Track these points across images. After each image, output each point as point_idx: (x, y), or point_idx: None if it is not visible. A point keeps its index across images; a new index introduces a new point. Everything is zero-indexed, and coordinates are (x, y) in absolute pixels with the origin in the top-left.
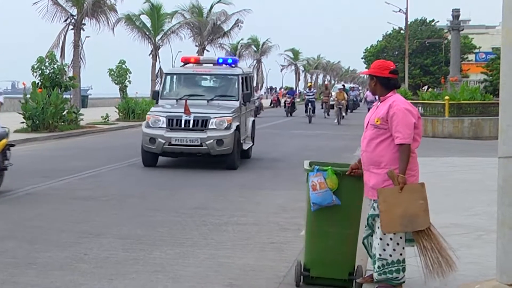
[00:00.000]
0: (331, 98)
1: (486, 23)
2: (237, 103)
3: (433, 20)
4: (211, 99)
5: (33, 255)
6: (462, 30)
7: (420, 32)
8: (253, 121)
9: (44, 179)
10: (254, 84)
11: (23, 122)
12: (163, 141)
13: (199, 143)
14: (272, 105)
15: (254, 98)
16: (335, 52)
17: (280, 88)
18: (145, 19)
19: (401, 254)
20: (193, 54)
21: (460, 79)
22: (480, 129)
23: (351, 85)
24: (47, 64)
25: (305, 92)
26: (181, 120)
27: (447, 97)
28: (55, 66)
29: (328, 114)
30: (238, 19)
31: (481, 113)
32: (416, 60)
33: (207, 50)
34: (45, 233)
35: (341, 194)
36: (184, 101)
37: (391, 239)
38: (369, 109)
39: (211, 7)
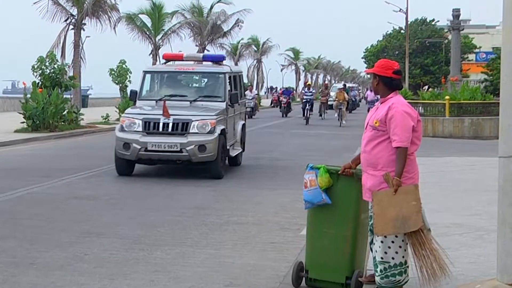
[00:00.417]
0: (331, 98)
1: (487, 22)
2: (223, 105)
3: (433, 20)
4: (195, 100)
5: (33, 254)
6: (463, 29)
7: (420, 31)
8: (243, 125)
9: (45, 179)
10: (254, 84)
11: (23, 122)
12: (139, 147)
13: (178, 149)
14: (272, 104)
15: (248, 99)
16: (336, 51)
17: (281, 88)
18: (145, 19)
19: (403, 257)
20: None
21: (461, 78)
22: (480, 128)
23: (350, 84)
24: (47, 63)
25: (303, 91)
26: (158, 123)
27: (447, 97)
28: (55, 66)
29: (325, 113)
30: (238, 19)
31: (482, 113)
32: (417, 60)
33: (207, 50)
34: (46, 232)
35: (337, 195)
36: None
37: (392, 242)
38: (369, 109)
39: (211, 7)
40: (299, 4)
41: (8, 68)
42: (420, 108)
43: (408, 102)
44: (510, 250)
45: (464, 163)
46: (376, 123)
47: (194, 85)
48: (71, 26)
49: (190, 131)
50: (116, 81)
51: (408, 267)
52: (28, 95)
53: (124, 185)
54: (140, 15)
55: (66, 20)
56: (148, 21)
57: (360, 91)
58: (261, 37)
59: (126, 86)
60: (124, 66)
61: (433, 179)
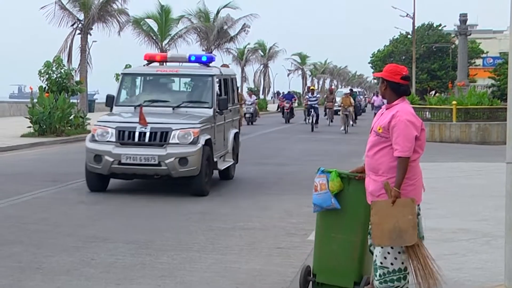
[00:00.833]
0: (336, 104)
1: (494, 27)
2: (210, 111)
3: (440, 25)
4: (178, 106)
5: (39, 259)
6: (470, 34)
7: (427, 36)
8: (236, 134)
9: (51, 184)
10: (261, 89)
11: (30, 127)
12: (111, 159)
13: (156, 162)
14: (279, 109)
15: (247, 104)
16: (342, 56)
17: (282, 93)
18: (152, 24)
19: (402, 263)
20: None
21: (468, 83)
22: (487, 134)
23: (356, 89)
24: (54, 68)
25: (307, 96)
26: (134, 133)
27: (454, 102)
28: (62, 70)
29: (332, 121)
30: (245, 23)
31: (489, 118)
32: (423, 65)
33: (214, 55)
34: (52, 237)
35: (346, 200)
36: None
37: (392, 247)
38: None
39: (218, 11)
40: (306, 9)
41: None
42: (427, 113)
43: (415, 107)
44: None
45: (471, 169)
46: (379, 129)
47: (178, 89)
48: (78, 31)
49: (170, 141)
50: None
51: (408, 273)
52: (35, 100)
53: (131, 190)
54: (146, 19)
55: (73, 25)
56: (154, 26)
57: (366, 96)
58: (267, 42)
59: None
60: None
61: (440, 184)
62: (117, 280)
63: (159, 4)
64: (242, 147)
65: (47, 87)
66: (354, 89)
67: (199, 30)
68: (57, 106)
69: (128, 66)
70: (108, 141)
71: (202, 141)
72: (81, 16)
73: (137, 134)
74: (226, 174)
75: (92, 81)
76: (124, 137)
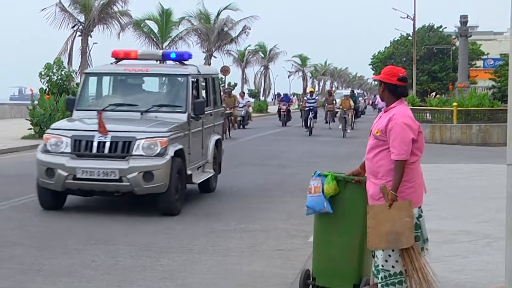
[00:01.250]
0: (336, 106)
1: (494, 29)
2: (183, 117)
3: (441, 26)
4: (147, 111)
5: (41, 261)
6: (470, 36)
7: (428, 38)
8: (218, 141)
9: None
10: (261, 90)
11: (30, 129)
12: (65, 174)
13: (117, 177)
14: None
15: (239, 107)
16: (343, 58)
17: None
18: (152, 25)
19: (403, 266)
20: (199, 61)
21: (468, 85)
22: (488, 135)
23: (356, 90)
24: (54, 70)
25: (305, 99)
26: (92, 142)
27: (455, 104)
28: (62, 72)
29: (333, 121)
30: (245, 25)
31: (489, 120)
32: (424, 67)
33: (215, 57)
34: (53, 239)
35: (344, 202)
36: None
37: (393, 250)
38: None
39: (218, 13)
40: (306, 10)
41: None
42: (428, 114)
43: (416, 109)
44: None
45: (472, 170)
46: (377, 132)
47: (149, 91)
48: (79, 33)
49: (134, 152)
50: None
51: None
52: (36, 102)
53: None
54: (147, 21)
55: (73, 27)
56: (155, 27)
57: (365, 98)
58: (268, 43)
59: None
60: None
61: (440, 186)
62: (118, 282)
63: (161, 6)
64: (241, 150)
65: (47, 89)
66: (357, 91)
67: (199, 32)
68: (57, 108)
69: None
70: (62, 152)
71: (171, 152)
72: (81, 18)
73: (95, 144)
74: (206, 187)
75: None
76: (81, 147)
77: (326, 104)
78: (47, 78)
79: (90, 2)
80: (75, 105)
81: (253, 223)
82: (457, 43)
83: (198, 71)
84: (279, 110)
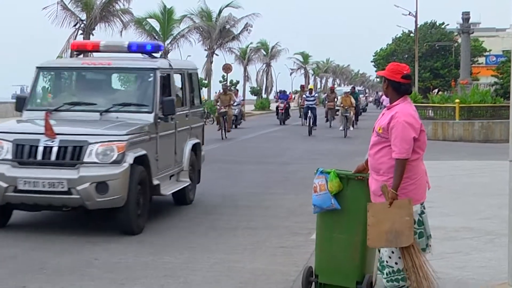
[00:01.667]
0: (336, 104)
1: (497, 25)
2: (150, 117)
3: (443, 23)
4: (107, 110)
5: (43, 260)
6: (472, 33)
7: (430, 35)
8: (196, 146)
9: None
10: (263, 88)
11: None
12: (5, 185)
13: (65, 189)
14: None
15: (233, 105)
16: (345, 55)
17: (290, 92)
18: (154, 23)
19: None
20: (201, 59)
21: (471, 82)
22: (490, 132)
23: (357, 87)
24: None
25: (304, 96)
26: (37, 148)
27: (457, 100)
28: None
29: (332, 120)
30: (247, 23)
31: (492, 116)
32: (426, 63)
33: (217, 54)
34: (55, 238)
35: (346, 200)
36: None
37: (396, 247)
38: None
39: (220, 11)
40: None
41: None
42: (430, 111)
43: (418, 106)
44: None
45: (474, 167)
46: (379, 129)
47: (111, 88)
48: (80, 31)
49: (85, 159)
50: None
51: None
52: None
53: None
54: (148, 19)
55: (75, 25)
56: (156, 25)
57: (366, 95)
58: (270, 41)
59: None
60: None
61: (443, 182)
62: (121, 280)
63: (163, 4)
64: (237, 149)
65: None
66: (358, 87)
67: (201, 29)
68: None
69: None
70: (3, 160)
71: (130, 158)
72: (83, 16)
73: (40, 149)
74: (181, 199)
75: None
76: (23, 154)
77: (327, 102)
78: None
79: (91, 0)
80: (25, 105)
81: (255, 220)
82: (459, 40)
83: (170, 65)
84: (277, 108)
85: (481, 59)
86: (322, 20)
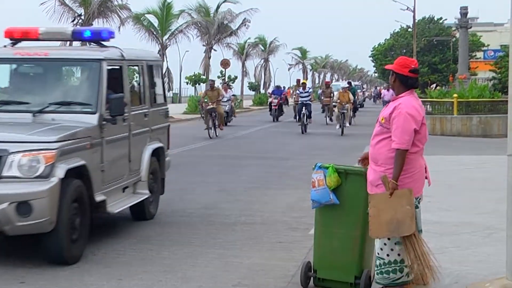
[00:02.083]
0: (334, 100)
1: (495, 20)
2: (93, 118)
3: (441, 18)
4: (42, 110)
5: (41, 255)
6: (470, 27)
7: (428, 30)
8: (159, 151)
9: None
10: (261, 83)
11: None
12: None
13: None
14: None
15: (225, 101)
16: (343, 50)
17: (288, 88)
18: (152, 19)
19: (399, 255)
20: (200, 55)
21: (469, 77)
22: (489, 127)
23: (355, 82)
24: None
25: (297, 92)
26: None
27: (455, 95)
28: None
29: (331, 120)
30: (245, 18)
31: (490, 111)
32: (424, 58)
33: (215, 50)
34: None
35: (345, 194)
36: None
37: (389, 239)
38: None
39: (218, 6)
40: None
41: None
42: (428, 106)
43: None
44: None
45: (472, 162)
46: (382, 120)
47: (49, 83)
48: (78, 27)
49: (4, 173)
50: None
51: (406, 266)
52: None
53: None
54: (147, 15)
55: (73, 21)
56: (154, 21)
57: (364, 90)
58: (268, 36)
59: (133, 86)
60: None
61: (441, 177)
62: (119, 276)
63: (162, 0)
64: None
65: None
66: (355, 82)
67: (199, 25)
68: None
69: None
70: None
71: (61, 171)
72: (81, 11)
73: None
74: (141, 212)
75: None
76: None
77: (323, 98)
78: None
79: None
80: None
81: (254, 216)
82: (457, 35)
83: (122, 56)
84: (270, 104)
85: (479, 54)
86: (320, 16)
